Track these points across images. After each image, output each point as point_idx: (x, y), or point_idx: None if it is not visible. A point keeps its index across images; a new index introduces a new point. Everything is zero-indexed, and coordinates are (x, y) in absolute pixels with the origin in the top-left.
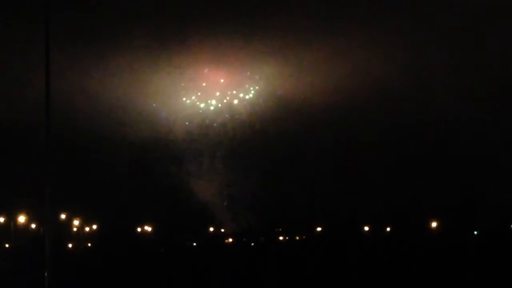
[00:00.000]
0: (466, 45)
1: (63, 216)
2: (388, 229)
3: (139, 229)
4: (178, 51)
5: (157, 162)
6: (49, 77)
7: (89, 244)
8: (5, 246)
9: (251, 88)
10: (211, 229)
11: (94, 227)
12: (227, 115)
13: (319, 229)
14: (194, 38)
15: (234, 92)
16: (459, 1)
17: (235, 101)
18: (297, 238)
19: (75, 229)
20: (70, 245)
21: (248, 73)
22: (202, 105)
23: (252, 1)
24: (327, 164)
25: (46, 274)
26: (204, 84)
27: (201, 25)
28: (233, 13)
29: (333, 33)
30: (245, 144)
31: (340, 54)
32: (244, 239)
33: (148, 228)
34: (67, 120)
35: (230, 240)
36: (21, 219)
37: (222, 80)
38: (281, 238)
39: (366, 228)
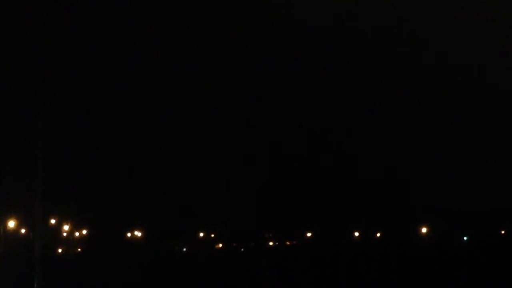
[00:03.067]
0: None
1: (53, 221)
2: (378, 234)
3: (129, 234)
4: None
5: (148, 167)
6: (41, 84)
7: (79, 249)
8: None
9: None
10: (201, 234)
11: (84, 232)
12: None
13: (309, 234)
14: None
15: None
16: None
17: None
18: (288, 243)
19: (64, 234)
20: (60, 250)
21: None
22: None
23: None
24: (317, 169)
25: (36, 279)
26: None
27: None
28: None
29: None
30: (235, 149)
31: None
32: (234, 244)
33: (138, 233)
34: (57, 125)
35: (220, 245)
36: (11, 224)
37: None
38: (271, 243)
39: (356, 234)
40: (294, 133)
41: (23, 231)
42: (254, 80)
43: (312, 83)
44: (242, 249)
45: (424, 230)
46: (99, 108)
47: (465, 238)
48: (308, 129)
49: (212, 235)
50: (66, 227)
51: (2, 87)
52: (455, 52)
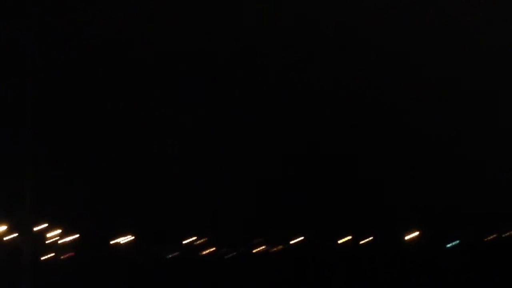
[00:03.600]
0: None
1: (42, 227)
2: (367, 239)
3: (118, 240)
4: None
5: (137, 172)
6: (30, 89)
7: (68, 255)
8: None
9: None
10: (190, 239)
11: (73, 237)
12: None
13: (298, 240)
14: None
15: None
16: None
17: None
18: (276, 248)
19: (53, 240)
20: (48, 256)
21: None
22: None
23: None
24: (306, 175)
25: (24, 285)
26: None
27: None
28: None
29: None
30: (225, 154)
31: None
32: (223, 250)
33: (127, 239)
34: (47, 128)
35: (209, 250)
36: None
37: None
38: (260, 248)
39: (346, 239)
40: (286, 138)
41: (10, 237)
42: (246, 83)
43: (302, 86)
44: (234, 253)
45: (412, 235)
46: (88, 113)
47: (452, 244)
48: (298, 134)
49: (201, 241)
50: (54, 233)
51: None
52: (450, 55)
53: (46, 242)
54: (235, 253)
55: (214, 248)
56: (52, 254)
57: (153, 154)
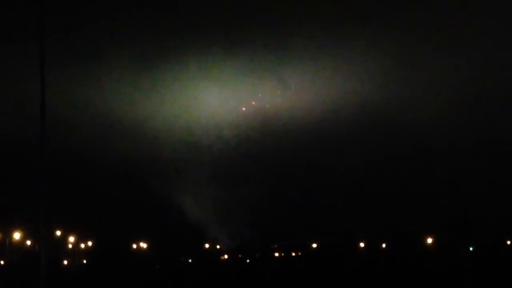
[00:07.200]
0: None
1: (58, 233)
2: (384, 245)
3: (134, 246)
4: (163, 67)
5: (152, 179)
6: (44, 99)
7: (85, 261)
8: (0, 263)
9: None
10: (207, 245)
11: (90, 243)
12: (215, 134)
13: (314, 245)
14: (178, 55)
15: (221, 109)
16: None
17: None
18: (293, 254)
19: (70, 245)
20: (65, 262)
21: (234, 90)
22: (191, 123)
23: (237, 18)
24: (322, 181)
25: None
26: (190, 100)
27: (185, 42)
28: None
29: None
30: (238, 162)
31: (327, 73)
32: (239, 256)
33: (143, 245)
34: (60, 137)
35: (226, 256)
36: (17, 235)
37: (208, 97)
38: (276, 254)
39: (362, 245)
40: (299, 144)
41: (28, 242)
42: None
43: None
44: (248, 260)
45: (429, 240)
46: (104, 117)
47: (470, 248)
48: (311, 141)
49: (218, 246)
50: (71, 239)
51: (5, 100)
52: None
53: (64, 247)
54: (252, 258)
55: (229, 254)
56: (70, 260)
57: (170, 164)
